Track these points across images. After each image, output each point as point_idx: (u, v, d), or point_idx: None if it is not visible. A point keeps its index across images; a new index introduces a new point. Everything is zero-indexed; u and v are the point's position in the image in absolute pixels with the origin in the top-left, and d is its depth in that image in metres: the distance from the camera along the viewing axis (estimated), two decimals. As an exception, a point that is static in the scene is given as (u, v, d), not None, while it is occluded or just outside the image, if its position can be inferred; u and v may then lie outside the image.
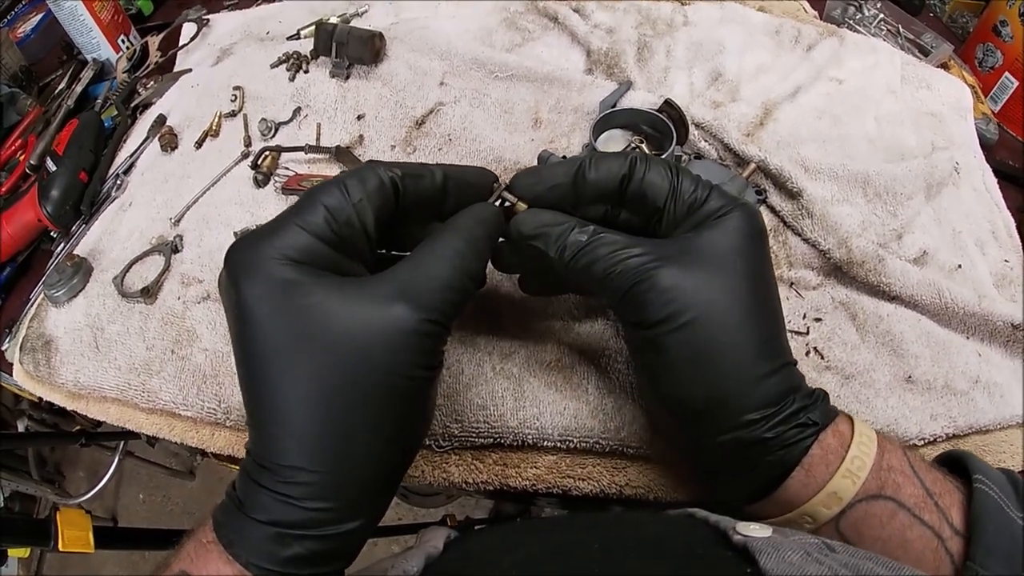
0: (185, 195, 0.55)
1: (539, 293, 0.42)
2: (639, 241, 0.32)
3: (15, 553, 1.01)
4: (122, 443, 1.25)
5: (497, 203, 0.36)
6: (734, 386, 0.31)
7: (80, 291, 0.51)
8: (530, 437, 0.42)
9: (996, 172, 0.59)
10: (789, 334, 0.46)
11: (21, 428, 1.17)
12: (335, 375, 0.27)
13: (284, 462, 0.27)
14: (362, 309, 0.28)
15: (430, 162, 0.56)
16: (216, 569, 0.27)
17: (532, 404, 0.42)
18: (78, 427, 1.13)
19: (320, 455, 0.27)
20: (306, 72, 0.62)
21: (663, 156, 0.49)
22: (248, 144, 0.58)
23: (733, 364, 0.31)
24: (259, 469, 0.28)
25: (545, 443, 0.42)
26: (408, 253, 0.31)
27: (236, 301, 0.28)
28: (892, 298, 0.48)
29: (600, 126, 0.53)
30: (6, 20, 0.82)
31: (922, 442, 0.43)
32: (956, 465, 0.33)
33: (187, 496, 1.55)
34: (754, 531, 0.26)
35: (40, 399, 0.51)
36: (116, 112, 0.65)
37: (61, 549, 0.66)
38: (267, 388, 0.28)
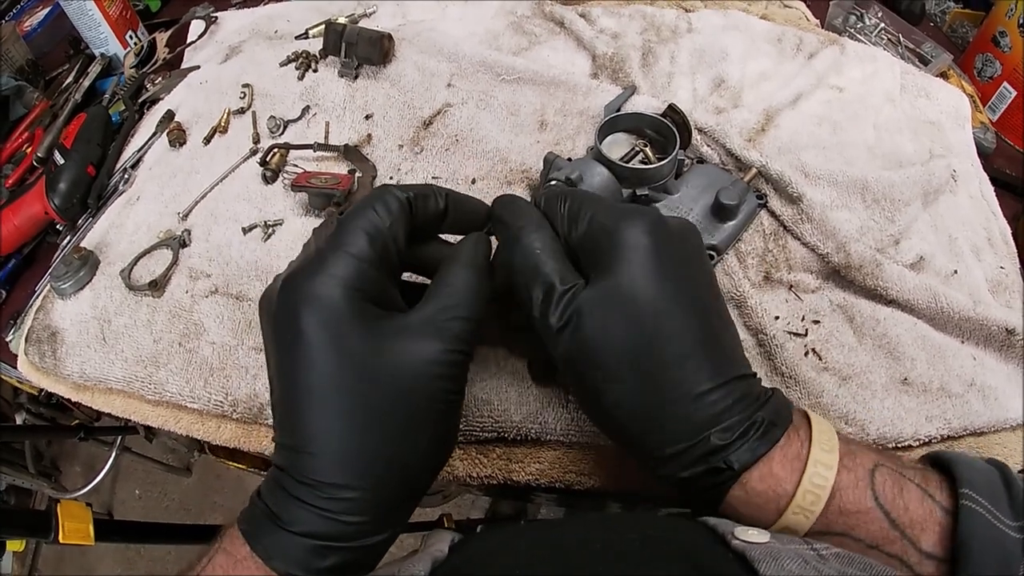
0: (193, 190, 0.56)
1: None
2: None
3: (11, 547, 1.00)
4: (119, 438, 1.25)
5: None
6: (664, 412, 0.30)
7: (87, 283, 0.52)
8: (533, 432, 0.43)
9: (993, 180, 0.60)
10: (788, 335, 0.47)
11: (19, 421, 1.17)
12: (379, 403, 0.30)
13: (327, 480, 0.29)
14: (400, 344, 0.31)
15: (437, 162, 0.56)
16: None
17: (535, 399, 0.43)
18: (76, 421, 1.13)
19: (364, 474, 0.30)
20: (315, 71, 0.63)
21: (667, 160, 0.50)
22: (257, 141, 0.59)
23: (669, 382, 0.30)
24: (298, 485, 0.30)
25: (548, 438, 0.43)
26: (418, 269, 0.37)
27: (296, 330, 0.30)
28: (889, 302, 0.49)
29: (605, 130, 0.53)
30: (13, 13, 0.82)
31: (917, 443, 0.44)
32: (945, 468, 0.31)
33: (183, 492, 1.54)
34: (752, 536, 0.26)
35: (40, 392, 0.51)
36: (123, 107, 0.66)
37: (61, 541, 0.66)
38: (315, 412, 0.30)
